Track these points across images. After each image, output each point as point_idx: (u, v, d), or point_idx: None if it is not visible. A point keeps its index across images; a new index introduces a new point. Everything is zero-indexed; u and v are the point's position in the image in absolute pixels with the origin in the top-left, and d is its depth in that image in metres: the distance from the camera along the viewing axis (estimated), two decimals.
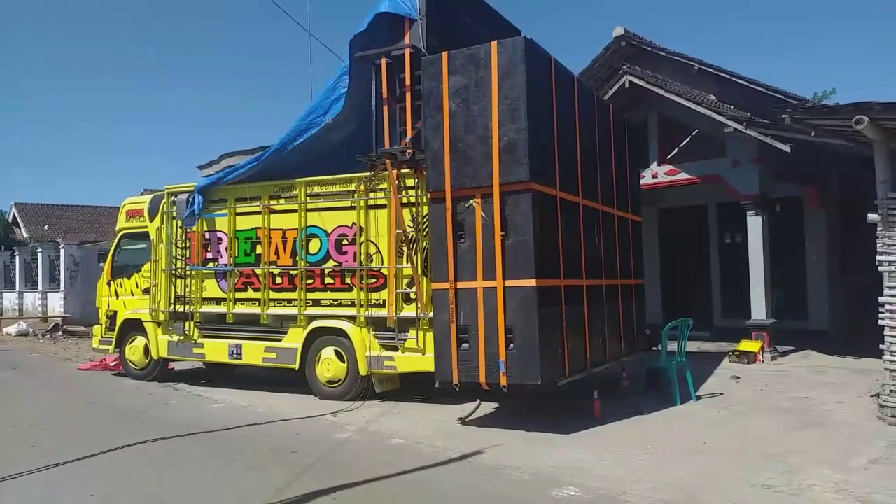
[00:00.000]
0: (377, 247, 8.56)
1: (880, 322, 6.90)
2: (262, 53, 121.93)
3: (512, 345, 6.62)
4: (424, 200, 7.92)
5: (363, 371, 8.55)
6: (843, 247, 12.39)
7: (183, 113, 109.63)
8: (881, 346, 6.92)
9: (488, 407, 7.84)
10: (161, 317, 10.44)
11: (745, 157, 11.47)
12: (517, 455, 6.07)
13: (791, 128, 8.69)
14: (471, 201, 6.90)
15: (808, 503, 4.73)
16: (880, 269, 6.92)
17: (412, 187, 8.27)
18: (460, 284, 6.92)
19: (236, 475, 5.83)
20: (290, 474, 5.58)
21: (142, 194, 13.29)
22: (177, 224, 10.28)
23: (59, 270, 24.93)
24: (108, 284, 11.49)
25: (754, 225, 11.49)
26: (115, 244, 11.68)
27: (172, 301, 10.23)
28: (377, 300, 8.54)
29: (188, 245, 10.18)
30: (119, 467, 6.08)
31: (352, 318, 8.71)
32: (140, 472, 5.93)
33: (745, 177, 11.50)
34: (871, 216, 6.98)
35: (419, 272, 8.11)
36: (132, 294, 11.08)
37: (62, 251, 24.79)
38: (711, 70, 12.99)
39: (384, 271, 8.46)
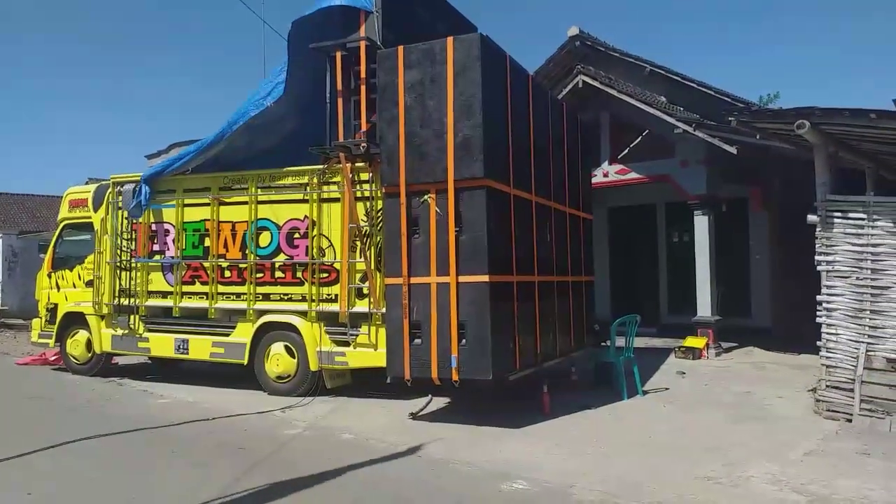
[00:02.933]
0: (330, 241, 8.48)
1: (818, 320, 7.16)
2: (213, 40, 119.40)
3: (464, 340, 6.64)
4: (379, 195, 7.89)
5: (314, 366, 8.47)
6: (785, 247, 12.77)
7: (131, 101, 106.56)
8: (818, 343, 7.19)
9: (440, 402, 7.86)
10: (105, 310, 10.15)
11: (693, 158, 11.76)
12: (467, 449, 6.11)
13: (737, 130, 8.93)
14: (425, 197, 6.89)
15: (746, 494, 4.89)
16: (818, 268, 7.18)
17: (366, 181, 8.21)
18: (414, 279, 6.91)
19: (181, 472, 5.71)
20: (237, 471, 5.50)
21: (86, 183, 12.87)
22: (122, 215, 10.00)
23: None
24: (49, 276, 11.14)
25: (701, 224, 11.80)
26: (56, 234, 11.32)
27: (117, 294, 9.97)
28: (329, 295, 8.46)
29: (134, 236, 9.91)
30: (59, 465, 5.89)
31: (303, 313, 8.62)
32: (81, 470, 5.76)
33: (693, 177, 11.79)
34: (811, 217, 7.23)
35: (372, 267, 8.07)
36: (74, 286, 10.75)
37: (0, 241, 23.85)
38: (662, 72, 13.23)
39: (337, 266, 8.39)
